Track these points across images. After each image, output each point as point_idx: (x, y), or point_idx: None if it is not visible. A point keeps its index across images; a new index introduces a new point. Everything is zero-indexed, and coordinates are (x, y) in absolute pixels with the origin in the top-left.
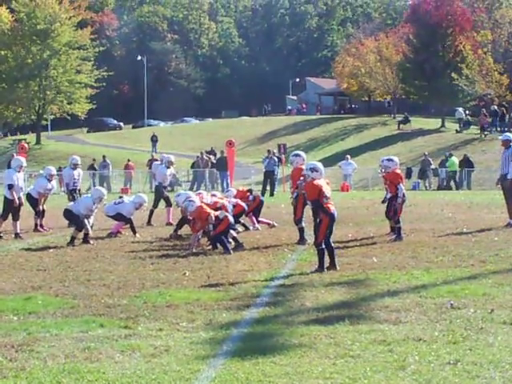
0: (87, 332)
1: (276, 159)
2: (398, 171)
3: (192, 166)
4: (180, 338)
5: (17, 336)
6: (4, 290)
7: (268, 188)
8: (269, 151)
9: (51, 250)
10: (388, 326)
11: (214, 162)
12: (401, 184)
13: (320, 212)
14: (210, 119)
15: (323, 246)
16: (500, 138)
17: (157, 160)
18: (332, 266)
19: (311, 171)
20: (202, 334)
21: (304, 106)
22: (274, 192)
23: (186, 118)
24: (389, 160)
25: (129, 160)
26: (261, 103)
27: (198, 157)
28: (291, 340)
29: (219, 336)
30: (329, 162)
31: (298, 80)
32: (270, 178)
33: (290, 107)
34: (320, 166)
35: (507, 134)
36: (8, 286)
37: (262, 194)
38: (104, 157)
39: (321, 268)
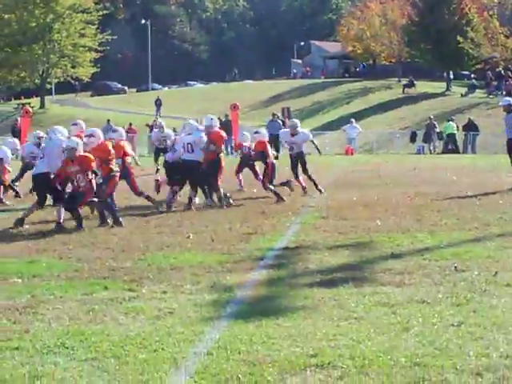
0: (91, 294)
1: (280, 122)
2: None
3: None
4: (184, 300)
5: (21, 298)
6: (8, 253)
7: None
8: (273, 114)
9: (55, 213)
10: (392, 289)
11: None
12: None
13: None
14: (215, 83)
15: None
16: (500, 104)
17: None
18: None
19: None
20: (206, 297)
21: (309, 69)
22: (278, 155)
23: (190, 82)
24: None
25: (130, 124)
26: (266, 67)
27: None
28: (295, 302)
29: (223, 298)
30: (333, 125)
31: (302, 43)
32: (273, 141)
33: (294, 71)
34: None
35: (507, 98)
36: (12, 250)
37: None
38: (108, 121)
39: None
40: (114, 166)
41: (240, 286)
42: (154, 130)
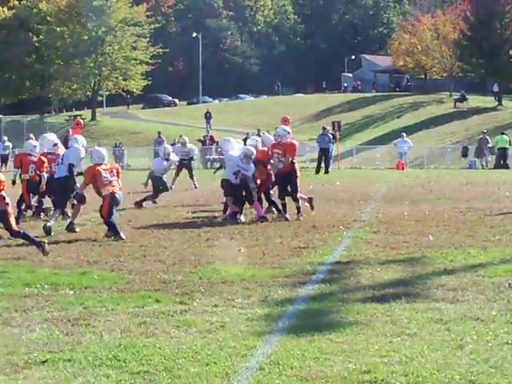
0: (143, 307)
1: (331, 136)
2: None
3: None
4: (235, 314)
5: (73, 310)
6: (60, 265)
7: (322, 165)
8: (324, 128)
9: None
10: (445, 305)
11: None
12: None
13: None
14: (265, 96)
15: None
16: None
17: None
18: None
19: None
20: (258, 311)
21: (359, 83)
22: (329, 169)
23: (240, 95)
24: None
25: (159, 132)
26: (316, 81)
27: (247, 133)
28: (347, 317)
29: (275, 312)
30: (384, 139)
31: (353, 57)
32: (324, 155)
33: (345, 84)
34: None
35: None
36: (64, 261)
37: (317, 172)
38: (159, 133)
39: None
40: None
41: (292, 301)
42: (177, 145)
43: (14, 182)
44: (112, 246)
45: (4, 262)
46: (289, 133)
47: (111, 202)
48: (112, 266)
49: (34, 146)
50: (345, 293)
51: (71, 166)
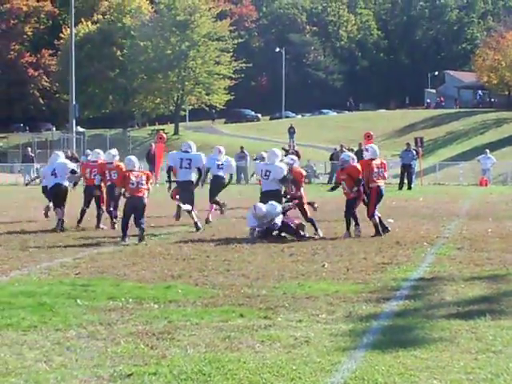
0: (227, 321)
1: (414, 152)
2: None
3: (331, 159)
4: (320, 329)
5: (158, 324)
6: (144, 279)
7: (405, 181)
8: (407, 144)
9: (190, 241)
10: None
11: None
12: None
13: None
14: (348, 112)
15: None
16: None
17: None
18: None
19: None
20: (342, 326)
21: (442, 99)
22: (412, 185)
23: (323, 110)
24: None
25: (242, 147)
26: (399, 96)
27: (335, 149)
28: (432, 334)
29: (359, 328)
30: (467, 156)
31: (436, 73)
32: (407, 171)
33: (428, 100)
34: None
35: None
36: (148, 275)
37: (400, 188)
38: (242, 148)
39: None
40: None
41: (376, 316)
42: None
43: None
44: (196, 261)
45: (88, 276)
46: (353, 158)
47: (127, 204)
48: (196, 280)
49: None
50: (429, 309)
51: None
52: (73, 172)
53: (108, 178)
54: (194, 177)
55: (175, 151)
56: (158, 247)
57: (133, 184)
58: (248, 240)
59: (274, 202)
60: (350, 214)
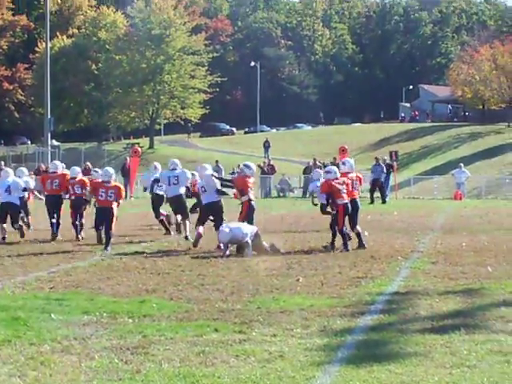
0: (202, 336)
1: (383, 166)
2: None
3: (304, 172)
4: (294, 343)
5: (132, 338)
6: (119, 293)
7: (378, 195)
8: (376, 158)
9: (165, 255)
10: (504, 337)
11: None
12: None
13: None
14: (323, 126)
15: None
16: None
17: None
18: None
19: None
20: (317, 341)
21: (417, 113)
22: (386, 199)
23: (298, 124)
24: None
25: (217, 161)
26: (374, 110)
27: (308, 163)
28: (406, 348)
29: (334, 343)
30: (442, 170)
31: (411, 87)
32: (377, 185)
33: (402, 114)
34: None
35: None
36: (123, 289)
37: (371, 202)
38: (217, 161)
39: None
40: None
41: (350, 331)
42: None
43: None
44: (171, 275)
45: (63, 290)
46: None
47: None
48: (171, 294)
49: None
50: (403, 323)
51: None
52: (24, 190)
53: (72, 191)
54: (182, 190)
55: (165, 171)
56: (133, 261)
57: (101, 196)
58: (221, 255)
59: (240, 225)
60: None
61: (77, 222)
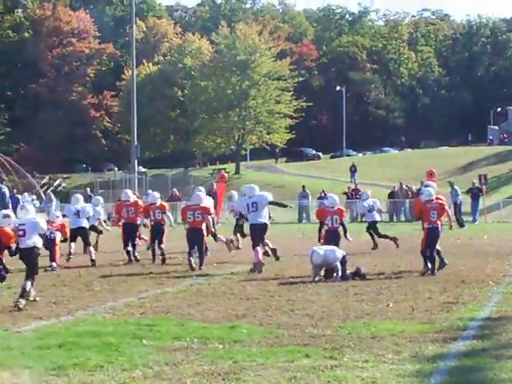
0: (293, 362)
1: (457, 189)
2: None
3: (389, 196)
4: (386, 369)
5: (223, 364)
6: (209, 319)
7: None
8: (450, 183)
9: (253, 280)
10: None
11: (415, 191)
12: None
13: None
14: (409, 149)
15: None
16: None
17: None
18: None
19: None
20: (409, 367)
21: (505, 135)
22: (464, 224)
23: (384, 148)
24: None
25: (303, 186)
26: (461, 133)
27: (394, 187)
28: (501, 375)
29: (426, 369)
30: None
31: (499, 109)
32: (454, 209)
33: (491, 137)
34: None
35: None
36: (212, 315)
37: (461, 226)
38: (303, 187)
39: None
40: None
41: (443, 357)
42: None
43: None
44: (260, 300)
45: (153, 315)
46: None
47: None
48: (260, 320)
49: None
50: (497, 349)
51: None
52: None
53: (152, 217)
54: (264, 217)
55: (241, 197)
56: (222, 287)
57: (190, 218)
58: (311, 280)
59: (334, 248)
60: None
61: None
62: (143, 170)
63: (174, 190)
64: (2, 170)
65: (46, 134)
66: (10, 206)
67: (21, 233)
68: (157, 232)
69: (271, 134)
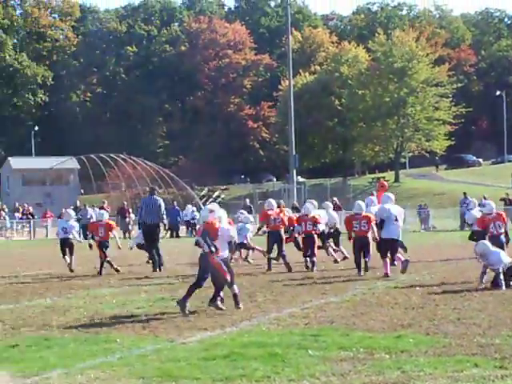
0: (462, 371)
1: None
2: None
3: None
4: None
5: (391, 374)
6: (374, 328)
7: None
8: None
9: (417, 288)
10: None
11: None
12: None
13: None
14: None
15: None
16: None
17: None
18: None
19: None
20: None
21: None
22: None
23: None
24: None
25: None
26: None
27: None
28: None
29: None
30: None
31: None
32: None
33: None
34: None
35: None
36: (377, 324)
37: None
38: (465, 194)
39: None
40: None
41: None
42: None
43: None
44: (425, 309)
45: (318, 326)
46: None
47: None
48: (426, 329)
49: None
50: None
51: None
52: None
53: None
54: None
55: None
56: (386, 296)
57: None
58: (476, 287)
59: (500, 250)
60: None
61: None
62: (301, 179)
63: (335, 198)
64: (162, 182)
65: (203, 145)
66: (165, 217)
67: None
68: (308, 243)
69: (430, 141)
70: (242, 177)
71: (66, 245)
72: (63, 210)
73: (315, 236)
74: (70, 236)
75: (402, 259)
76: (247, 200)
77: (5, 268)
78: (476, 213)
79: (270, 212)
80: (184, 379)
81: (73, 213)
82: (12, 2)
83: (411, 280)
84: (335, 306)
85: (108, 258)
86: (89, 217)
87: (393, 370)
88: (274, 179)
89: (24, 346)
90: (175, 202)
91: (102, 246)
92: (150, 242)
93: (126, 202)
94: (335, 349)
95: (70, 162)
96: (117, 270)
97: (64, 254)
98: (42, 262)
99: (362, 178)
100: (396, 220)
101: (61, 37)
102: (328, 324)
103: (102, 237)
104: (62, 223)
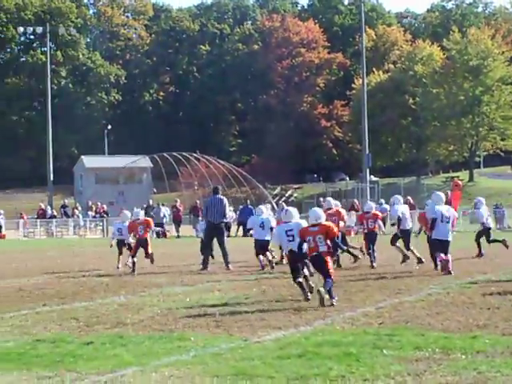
0: None
1: None
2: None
3: None
4: None
5: (467, 375)
6: (449, 328)
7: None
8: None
9: (493, 288)
10: None
11: None
12: None
13: None
14: None
15: None
16: None
17: None
18: None
19: None
20: None
21: None
22: None
23: None
24: None
25: None
26: None
27: None
28: None
29: None
30: None
31: None
32: None
33: None
34: None
35: None
36: (453, 324)
37: None
38: None
39: None
40: None
41: None
42: None
43: None
44: (501, 310)
45: (392, 325)
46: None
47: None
48: (503, 330)
49: None
50: None
51: None
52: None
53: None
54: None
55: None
56: (461, 296)
57: None
58: None
59: None
60: None
61: (370, 251)
62: (375, 179)
63: (409, 197)
64: (234, 181)
65: (276, 144)
66: (228, 216)
67: (290, 238)
68: (370, 239)
69: (505, 140)
70: (315, 176)
71: (121, 246)
72: (122, 210)
73: (377, 233)
74: (125, 237)
75: (445, 258)
76: (321, 199)
77: (78, 266)
78: None
79: (328, 212)
80: (259, 378)
81: (129, 214)
82: (85, 2)
83: (486, 280)
84: (409, 306)
85: (135, 259)
86: (162, 215)
87: (469, 370)
88: (347, 178)
89: (98, 344)
90: (248, 201)
91: (141, 243)
92: (208, 240)
93: (198, 201)
94: (410, 349)
95: (143, 161)
96: (133, 270)
97: (120, 254)
98: (115, 260)
99: (436, 178)
100: (447, 222)
101: (134, 36)
102: (403, 324)
103: (141, 235)
104: (117, 224)
